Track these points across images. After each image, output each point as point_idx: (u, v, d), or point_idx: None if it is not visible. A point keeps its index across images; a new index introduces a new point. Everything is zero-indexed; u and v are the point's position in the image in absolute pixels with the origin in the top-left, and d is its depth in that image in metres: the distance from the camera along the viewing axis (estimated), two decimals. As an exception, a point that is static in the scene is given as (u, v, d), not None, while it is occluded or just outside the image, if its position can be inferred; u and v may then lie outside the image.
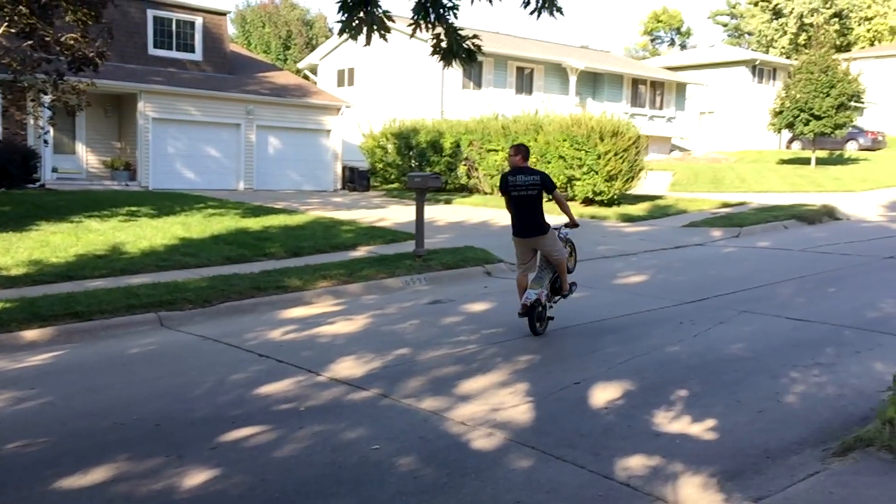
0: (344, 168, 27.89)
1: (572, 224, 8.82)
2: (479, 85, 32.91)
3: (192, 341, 8.16)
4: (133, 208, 17.32)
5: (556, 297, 8.58)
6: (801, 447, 5.07)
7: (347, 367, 6.97)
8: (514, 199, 8.24)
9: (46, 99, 16.47)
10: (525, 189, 8.16)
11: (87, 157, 24.02)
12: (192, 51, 26.38)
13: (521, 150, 8.39)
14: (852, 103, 32.78)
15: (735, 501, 4.32)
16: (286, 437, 5.33)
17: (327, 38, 48.39)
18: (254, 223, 15.89)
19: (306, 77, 37.71)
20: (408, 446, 5.17)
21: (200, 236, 13.98)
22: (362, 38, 5.71)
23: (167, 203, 18.52)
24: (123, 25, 23.46)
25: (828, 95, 31.72)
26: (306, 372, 6.86)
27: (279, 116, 26.10)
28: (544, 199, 8.28)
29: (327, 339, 8.15)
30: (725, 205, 21.15)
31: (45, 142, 19.72)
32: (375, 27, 5.56)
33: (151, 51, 25.36)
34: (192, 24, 26.20)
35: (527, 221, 8.29)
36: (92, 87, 16.91)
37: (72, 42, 15.10)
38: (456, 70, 30.42)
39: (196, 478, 4.71)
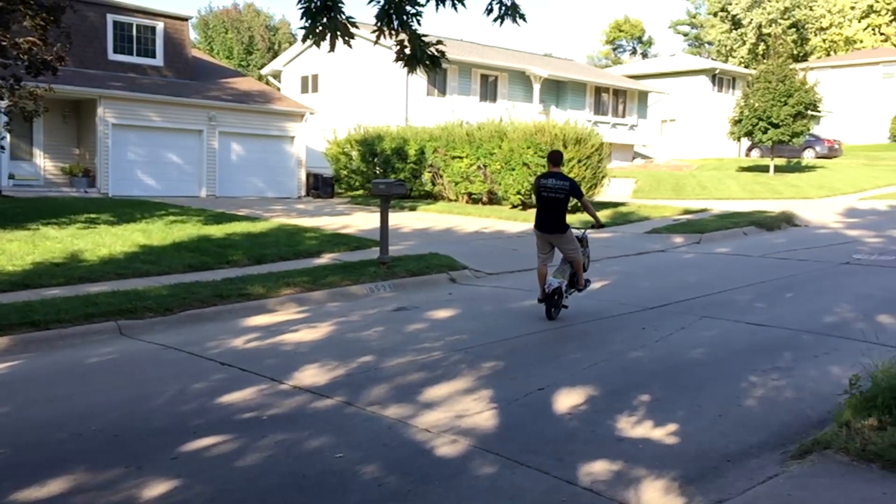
0: (308, 175, 27.76)
1: (597, 225, 9.98)
2: (443, 92, 32.98)
3: (153, 350, 8.04)
4: (92, 215, 17.04)
5: (571, 290, 9.46)
6: (761, 450, 5.15)
7: (311, 375, 6.92)
8: (543, 198, 9.27)
9: (3, 104, 16.14)
10: (554, 192, 9.19)
11: (44, 164, 23.60)
12: (153, 56, 26.07)
13: (553, 157, 9.46)
14: (809, 112, 33.43)
15: (696, 505, 4.37)
16: (249, 447, 5.27)
17: (291, 43, 48.19)
18: (216, 230, 15.72)
19: (269, 83, 37.50)
20: (372, 454, 5.15)
21: (161, 244, 13.80)
22: (326, 44, 5.70)
23: (127, 210, 18.26)
24: (82, 30, 23.11)
25: (785, 104, 32.32)
26: (269, 380, 6.80)
27: (242, 123, 25.90)
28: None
29: (291, 346, 8.09)
30: (687, 211, 21.42)
31: (2, 147, 19.30)
32: (339, 33, 5.55)
33: (111, 56, 25.02)
34: (153, 29, 25.90)
35: (549, 220, 9.30)
36: (50, 92, 16.62)
37: (29, 46, 14.83)
38: (420, 77, 30.53)
39: (156, 489, 4.64)
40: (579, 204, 9.50)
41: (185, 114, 24.51)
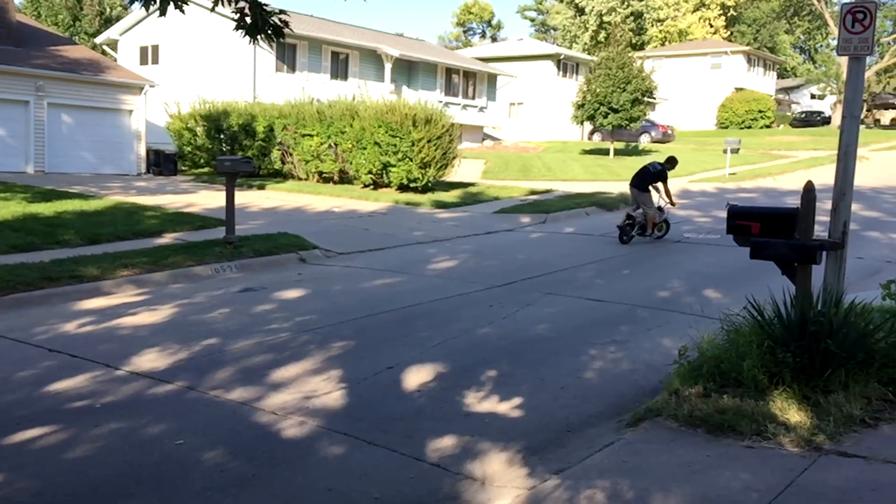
0: (149, 151, 26.37)
1: (670, 202, 14.06)
2: (293, 68, 32.24)
3: (-29, 338, 7.40)
4: None
5: (641, 232, 13.55)
6: (599, 420, 5.39)
7: (150, 360, 6.60)
8: (641, 168, 14.02)
9: None
10: (650, 166, 13.93)
11: None
12: (-29, 18, 23.87)
13: (670, 159, 14.06)
14: (646, 98, 35.24)
15: (538, 474, 4.51)
16: (79, 437, 4.96)
17: (123, 8, 45.54)
18: (45, 208, 14.66)
19: (105, 53, 35.26)
20: (215, 439, 4.98)
21: (-18, 222, 12.73)
22: (166, 10, 5.39)
23: (-58, 186, 16.72)
24: None
25: (624, 90, 33.86)
26: (104, 366, 6.42)
27: (74, 94, 24.21)
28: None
29: (128, 330, 7.68)
30: (533, 192, 22.07)
31: None
32: (170, -3, 5.27)
33: (-79, 16, 22.69)
34: (-29, -12, 23.69)
35: (638, 180, 13.70)
36: None
37: None
38: (269, 52, 29.72)
39: (-27, 487, 4.28)
40: (661, 189, 13.82)
41: (9, 83, 22.62)
